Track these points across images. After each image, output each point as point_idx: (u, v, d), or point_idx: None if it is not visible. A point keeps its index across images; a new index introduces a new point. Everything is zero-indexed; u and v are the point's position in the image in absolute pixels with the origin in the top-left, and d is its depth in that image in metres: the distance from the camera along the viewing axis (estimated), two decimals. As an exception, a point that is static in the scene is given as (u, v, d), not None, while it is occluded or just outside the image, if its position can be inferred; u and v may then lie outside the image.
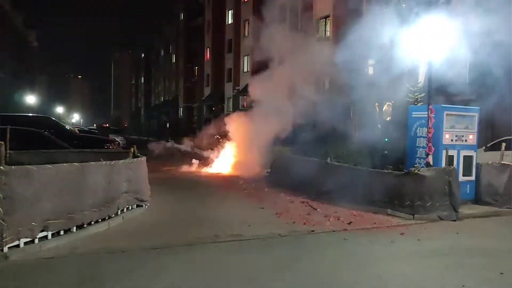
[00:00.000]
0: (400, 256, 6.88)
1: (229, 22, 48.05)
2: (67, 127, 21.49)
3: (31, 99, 41.71)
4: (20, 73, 51.87)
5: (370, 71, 18.18)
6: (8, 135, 10.07)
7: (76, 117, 78.28)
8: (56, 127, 17.41)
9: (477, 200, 10.84)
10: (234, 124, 20.29)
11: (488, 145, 14.53)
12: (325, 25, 28.71)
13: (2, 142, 6.83)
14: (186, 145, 26.36)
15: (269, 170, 15.96)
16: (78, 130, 26.68)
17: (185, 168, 19.17)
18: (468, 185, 10.71)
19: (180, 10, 64.99)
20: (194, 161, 20.16)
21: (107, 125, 54.96)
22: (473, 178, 10.83)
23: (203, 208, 10.51)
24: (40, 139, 13.68)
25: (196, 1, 58.47)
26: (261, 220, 9.07)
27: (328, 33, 28.37)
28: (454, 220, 9.30)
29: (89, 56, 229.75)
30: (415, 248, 7.29)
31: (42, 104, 51.29)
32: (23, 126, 13.65)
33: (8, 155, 9.32)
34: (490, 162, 11.17)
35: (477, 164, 10.93)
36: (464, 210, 9.90)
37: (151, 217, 9.24)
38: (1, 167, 6.28)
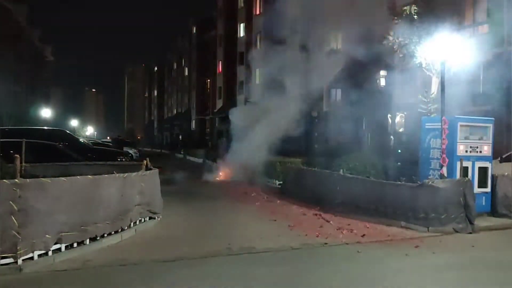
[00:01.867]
0: (415, 270, 6.77)
1: (241, 35, 48.40)
2: (81, 140, 21.72)
3: (46, 113, 42.25)
4: (36, 87, 52.74)
5: (382, 82, 18.14)
6: (23, 148, 10.22)
7: (90, 130, 79.05)
8: (71, 140, 17.60)
9: (493, 212, 10.66)
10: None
11: (504, 156, 14.30)
12: (337, 36, 28.73)
13: (18, 156, 6.94)
14: (199, 156, 26.49)
15: (281, 182, 15.92)
16: (91, 142, 26.88)
17: (197, 180, 19.25)
18: (483, 197, 10.54)
19: (193, 24, 65.74)
20: (206, 172, 20.27)
21: (121, 137, 55.37)
22: (488, 189, 10.66)
23: (215, 220, 10.50)
24: (54, 152, 13.84)
25: (209, 15, 59.09)
26: (274, 233, 9.02)
27: (339, 45, 28.38)
28: (470, 233, 9.15)
29: (103, 70, 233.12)
30: (430, 261, 7.18)
31: (57, 117, 51.94)
32: (38, 140, 13.81)
33: (23, 168, 9.44)
34: (506, 173, 11.00)
35: (492, 175, 10.76)
36: (480, 222, 9.73)
37: (163, 229, 9.25)
38: (16, 180, 6.37)
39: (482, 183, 10.55)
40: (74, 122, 58.30)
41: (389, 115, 19.32)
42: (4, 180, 6.38)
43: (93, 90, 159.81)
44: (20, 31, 44.91)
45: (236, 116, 21.86)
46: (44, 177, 7.37)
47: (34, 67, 51.04)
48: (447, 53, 10.64)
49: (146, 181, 9.54)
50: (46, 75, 61.59)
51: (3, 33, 37.65)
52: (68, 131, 20.98)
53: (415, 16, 14.08)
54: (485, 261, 7.30)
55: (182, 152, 44.61)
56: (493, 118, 11.21)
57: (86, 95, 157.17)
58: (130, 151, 25.79)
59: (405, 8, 15.01)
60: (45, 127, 22.56)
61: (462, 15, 18.52)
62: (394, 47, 14.35)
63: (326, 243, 8.15)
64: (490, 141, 10.83)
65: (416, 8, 14.33)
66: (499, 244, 8.64)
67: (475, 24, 19.08)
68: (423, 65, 14.00)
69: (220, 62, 54.00)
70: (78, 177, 7.60)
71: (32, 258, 6.44)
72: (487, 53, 17.57)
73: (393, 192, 10.05)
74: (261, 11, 41.91)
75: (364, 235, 8.77)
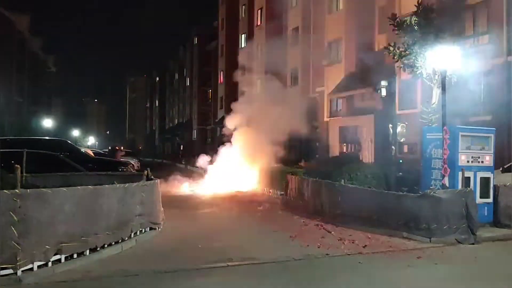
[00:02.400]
0: (417, 281, 6.73)
1: (243, 45, 48.66)
2: (82, 150, 21.71)
3: (48, 123, 42.31)
4: (38, 97, 52.95)
5: (383, 92, 18.18)
6: (24, 159, 10.21)
7: (91, 140, 79.18)
8: (72, 150, 17.58)
9: (495, 222, 10.59)
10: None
11: (505, 166, 14.27)
12: (338, 48, 28.82)
13: (18, 166, 6.93)
14: (199, 165, 26.46)
15: (283, 192, 15.88)
16: (93, 153, 26.87)
17: (197, 189, 19.26)
18: (486, 207, 10.48)
19: (194, 34, 66.13)
20: (203, 182, 20.36)
21: (120, 147, 55.32)
22: (490, 200, 10.60)
23: (216, 231, 10.46)
24: (55, 162, 13.81)
25: (210, 26, 59.46)
26: (275, 243, 8.98)
27: (340, 56, 28.46)
28: (472, 244, 9.09)
29: (105, 80, 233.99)
30: (432, 272, 7.14)
31: (58, 127, 52.03)
32: (39, 150, 13.79)
33: (23, 179, 9.42)
34: (508, 183, 10.96)
35: (494, 185, 10.72)
36: (482, 233, 9.67)
37: (164, 240, 9.21)
38: (17, 191, 6.36)
39: (484, 194, 10.51)
40: (75, 132, 58.41)
41: (390, 125, 19.33)
42: (5, 191, 6.37)
43: (95, 100, 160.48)
44: (22, 42, 45.21)
45: (233, 122, 21.87)
46: (44, 187, 7.36)
47: (36, 77, 51.30)
48: (447, 64, 10.66)
49: (147, 191, 9.52)
50: (48, 85, 61.85)
51: (5, 43, 37.89)
52: (69, 141, 20.97)
53: (416, 27, 14.11)
54: (488, 272, 7.25)
55: (183, 162, 44.64)
56: (494, 128, 11.20)
57: (88, 105, 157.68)
58: (131, 161, 25.75)
59: (405, 18, 15.05)
60: (46, 137, 22.56)
61: (462, 26, 18.60)
62: (395, 57, 14.38)
63: (327, 254, 8.10)
64: (492, 151, 10.80)
65: (416, 19, 14.36)
66: (502, 255, 8.58)
67: (476, 35, 19.15)
68: (424, 75, 14.01)
69: (222, 72, 54.23)
70: (79, 187, 7.60)
71: (32, 269, 6.40)
72: (488, 63, 17.61)
73: (395, 202, 10.01)
74: (262, 22, 42.25)
75: (365, 245, 8.72)
